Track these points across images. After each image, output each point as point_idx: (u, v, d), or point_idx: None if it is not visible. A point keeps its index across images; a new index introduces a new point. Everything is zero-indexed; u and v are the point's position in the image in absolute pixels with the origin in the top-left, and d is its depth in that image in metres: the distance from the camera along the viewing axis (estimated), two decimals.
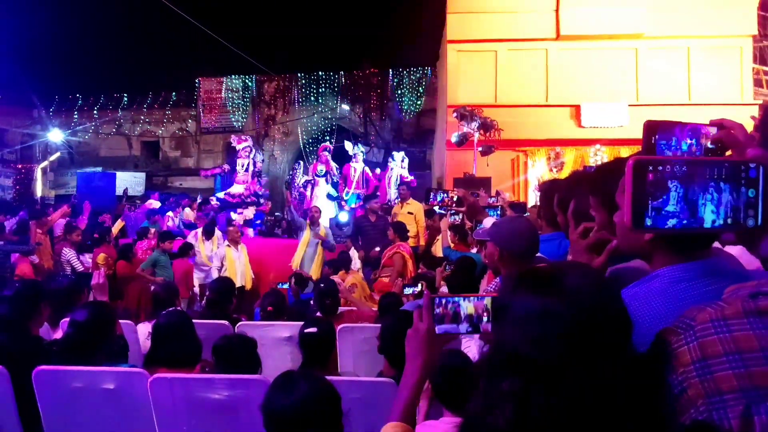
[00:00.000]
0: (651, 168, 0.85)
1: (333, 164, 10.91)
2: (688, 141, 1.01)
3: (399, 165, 11.24)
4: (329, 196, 10.27)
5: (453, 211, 6.06)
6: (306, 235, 7.96)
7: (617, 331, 0.83)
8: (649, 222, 0.85)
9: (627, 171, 0.85)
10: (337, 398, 1.80)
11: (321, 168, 10.57)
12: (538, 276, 0.89)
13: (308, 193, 10.79)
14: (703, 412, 0.80)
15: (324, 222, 8.63)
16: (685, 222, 0.86)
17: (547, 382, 0.79)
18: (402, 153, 11.45)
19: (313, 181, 10.67)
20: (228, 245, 7.87)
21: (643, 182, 0.85)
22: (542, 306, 0.83)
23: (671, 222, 0.85)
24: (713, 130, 1.01)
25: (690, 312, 0.87)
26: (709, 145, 1.00)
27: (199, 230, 8.94)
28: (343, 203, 10.79)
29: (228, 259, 7.77)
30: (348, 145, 11.39)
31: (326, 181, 10.42)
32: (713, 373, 0.79)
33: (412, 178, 11.24)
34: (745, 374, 0.78)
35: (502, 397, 0.82)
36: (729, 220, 0.86)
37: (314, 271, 7.65)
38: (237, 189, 10.96)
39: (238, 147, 11.01)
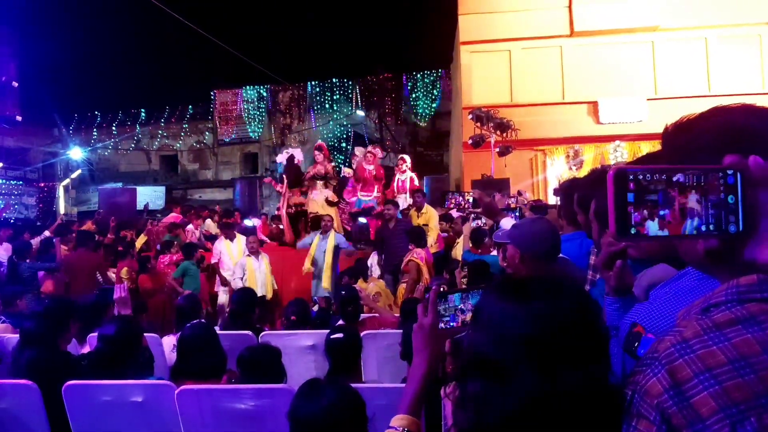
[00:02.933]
0: (632, 177, 0.88)
1: (331, 166, 10.36)
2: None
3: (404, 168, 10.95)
4: (329, 202, 9.94)
5: (474, 215, 6.03)
6: (315, 242, 7.93)
7: (580, 342, 0.83)
8: (633, 231, 0.87)
9: (608, 181, 0.88)
10: (362, 405, 1.81)
11: (319, 170, 10.14)
12: (508, 283, 0.92)
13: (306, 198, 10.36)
14: None
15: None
16: (667, 230, 0.87)
17: (504, 384, 0.81)
18: (404, 156, 11.21)
19: (309, 185, 10.24)
20: (248, 255, 7.90)
21: (624, 192, 0.87)
22: (505, 309, 0.86)
23: (653, 230, 0.87)
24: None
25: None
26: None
27: (222, 237, 9.00)
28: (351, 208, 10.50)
29: (249, 269, 7.80)
30: (359, 151, 11.30)
31: (324, 185, 9.99)
32: (689, 399, 0.75)
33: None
34: (720, 392, 0.74)
35: (466, 399, 0.84)
36: (711, 227, 0.87)
37: (325, 280, 7.66)
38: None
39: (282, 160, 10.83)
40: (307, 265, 7.71)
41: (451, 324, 1.49)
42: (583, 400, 0.79)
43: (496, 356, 0.83)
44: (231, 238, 8.62)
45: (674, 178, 0.87)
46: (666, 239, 0.88)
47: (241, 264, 7.88)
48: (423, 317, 1.43)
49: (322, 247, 7.88)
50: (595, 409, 0.79)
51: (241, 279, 7.61)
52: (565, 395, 0.79)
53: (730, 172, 0.88)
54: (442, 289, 1.61)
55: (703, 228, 0.87)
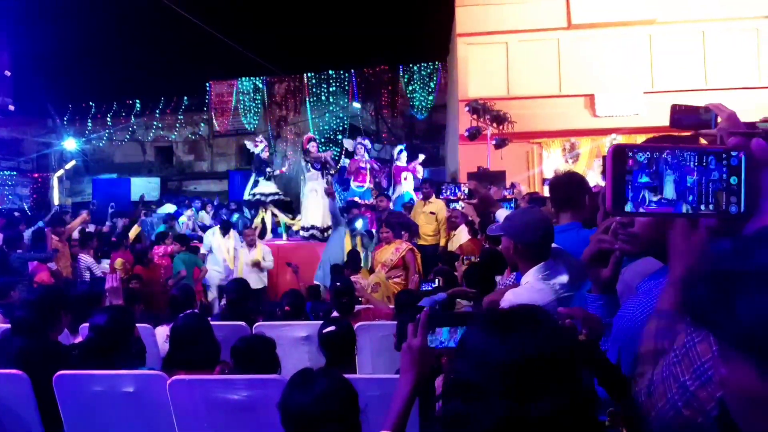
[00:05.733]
0: (630, 153, 0.86)
1: (330, 156, 10.28)
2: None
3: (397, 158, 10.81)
4: (327, 192, 9.88)
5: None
6: (347, 238, 7.68)
7: (551, 373, 0.88)
8: (628, 207, 0.86)
9: (607, 156, 0.87)
10: (354, 395, 1.80)
11: (318, 156, 10.04)
12: (491, 316, 1.00)
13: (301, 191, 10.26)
14: None
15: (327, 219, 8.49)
16: (664, 207, 0.86)
17: (480, 406, 0.87)
18: (400, 147, 11.05)
19: (304, 177, 10.16)
20: (242, 247, 7.87)
21: (622, 167, 0.87)
22: (485, 340, 0.94)
23: (651, 206, 0.86)
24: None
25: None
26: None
27: (216, 227, 8.97)
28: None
29: (240, 261, 7.79)
30: (347, 143, 11.22)
31: (322, 174, 9.90)
32: None
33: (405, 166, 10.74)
34: None
35: (447, 416, 0.93)
36: (711, 207, 0.87)
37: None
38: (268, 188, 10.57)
39: (256, 150, 10.66)
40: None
41: (438, 348, 1.54)
42: (553, 426, 0.85)
43: (475, 381, 0.90)
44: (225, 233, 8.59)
45: (674, 157, 0.85)
46: (662, 216, 0.87)
47: (223, 259, 7.88)
48: (412, 338, 1.50)
49: (338, 239, 7.70)
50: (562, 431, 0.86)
51: (226, 277, 7.60)
52: (536, 420, 0.84)
53: (734, 153, 0.86)
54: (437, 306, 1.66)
55: (702, 207, 0.85)
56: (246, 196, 10.73)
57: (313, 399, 1.71)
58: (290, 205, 11.00)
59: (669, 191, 0.86)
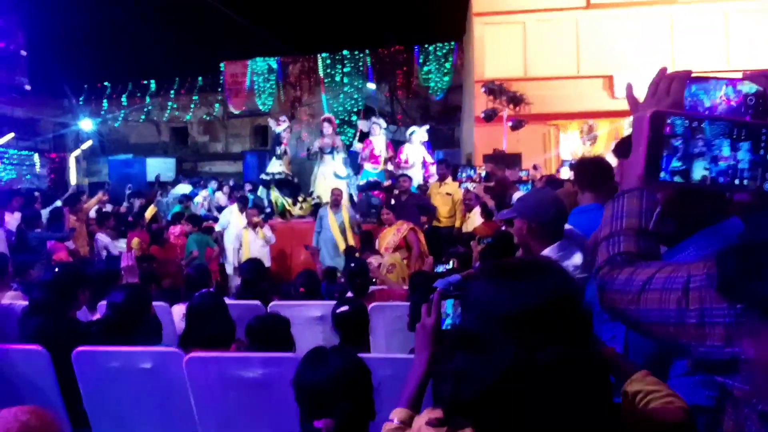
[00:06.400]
0: (669, 122, 0.84)
1: (339, 139, 10.22)
2: (725, 89, 0.98)
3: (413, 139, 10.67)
4: (336, 176, 9.80)
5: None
6: (330, 216, 7.78)
7: (559, 320, 0.85)
8: (663, 175, 0.84)
9: (645, 123, 0.85)
10: (368, 373, 1.81)
11: (327, 142, 9.78)
12: (495, 266, 0.96)
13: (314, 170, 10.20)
14: None
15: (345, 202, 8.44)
16: (699, 178, 0.84)
17: (484, 356, 0.84)
18: (414, 127, 10.89)
19: (319, 158, 9.97)
20: (245, 227, 7.91)
21: (660, 135, 0.85)
22: (490, 290, 0.90)
23: (684, 177, 0.84)
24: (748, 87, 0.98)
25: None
26: (749, 88, 0.95)
27: (234, 205, 9.01)
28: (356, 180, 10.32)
29: (244, 241, 7.82)
30: (362, 123, 11.17)
31: (332, 158, 9.86)
32: None
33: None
34: None
35: (448, 372, 0.89)
36: (745, 182, 0.84)
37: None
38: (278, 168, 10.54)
39: (278, 129, 10.57)
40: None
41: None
42: (561, 375, 0.81)
43: (478, 331, 0.87)
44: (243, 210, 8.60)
45: (712, 129, 0.83)
46: (696, 186, 0.84)
47: (237, 236, 7.90)
48: (426, 318, 1.49)
49: (339, 220, 7.79)
50: (574, 383, 0.82)
51: (238, 251, 7.65)
52: (542, 369, 0.81)
53: None
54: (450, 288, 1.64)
55: (737, 182, 0.83)
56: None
57: (326, 376, 1.72)
58: (296, 187, 10.85)
59: (705, 163, 0.84)
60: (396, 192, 8.24)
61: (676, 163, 0.86)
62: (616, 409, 0.97)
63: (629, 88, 1.23)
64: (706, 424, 1.03)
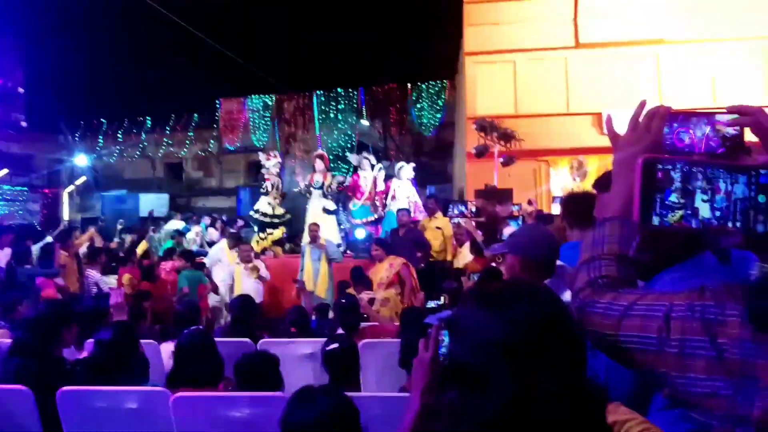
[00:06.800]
0: (660, 166, 0.86)
1: (330, 175, 10.29)
2: (704, 128, 1.02)
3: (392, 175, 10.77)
4: (326, 210, 9.83)
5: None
6: (307, 254, 7.89)
7: (555, 348, 0.83)
8: (656, 219, 0.86)
9: (637, 168, 0.87)
10: (356, 413, 1.79)
11: (318, 179, 9.90)
12: (484, 292, 0.93)
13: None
14: None
15: (327, 236, 8.46)
16: (692, 221, 0.86)
17: (480, 391, 0.81)
18: (402, 163, 10.98)
19: (308, 194, 10.04)
20: (238, 263, 7.88)
21: (651, 180, 0.86)
22: (481, 317, 0.87)
23: (677, 220, 0.86)
24: (729, 118, 1.02)
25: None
26: (727, 131, 0.99)
27: (224, 240, 8.99)
28: (350, 218, 10.36)
29: (236, 277, 7.79)
30: (352, 158, 11.26)
31: (322, 194, 9.92)
32: None
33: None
34: None
35: (442, 407, 0.87)
36: (738, 224, 0.86)
37: (320, 288, 7.61)
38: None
39: (268, 164, 10.62)
40: (308, 281, 7.57)
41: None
42: (560, 405, 0.79)
43: (472, 363, 0.84)
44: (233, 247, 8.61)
45: (704, 173, 0.85)
46: (689, 230, 0.86)
47: (229, 271, 7.88)
48: (424, 352, 1.44)
49: (315, 256, 7.84)
50: (572, 413, 0.80)
51: (230, 287, 7.61)
52: (541, 400, 0.79)
53: (763, 171, 0.85)
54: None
55: (729, 224, 0.84)
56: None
57: (313, 417, 1.70)
58: (271, 224, 10.84)
59: (698, 206, 0.85)
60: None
61: (668, 206, 0.88)
62: None
63: (609, 120, 1.25)
64: None
